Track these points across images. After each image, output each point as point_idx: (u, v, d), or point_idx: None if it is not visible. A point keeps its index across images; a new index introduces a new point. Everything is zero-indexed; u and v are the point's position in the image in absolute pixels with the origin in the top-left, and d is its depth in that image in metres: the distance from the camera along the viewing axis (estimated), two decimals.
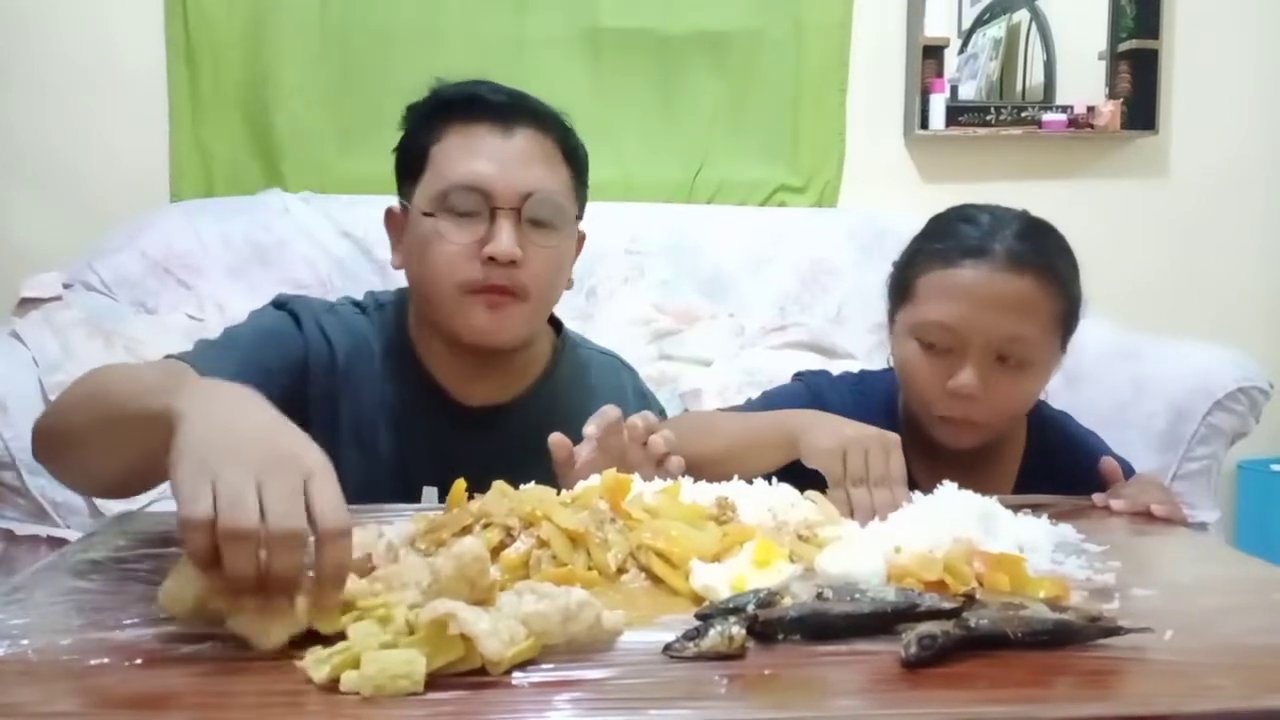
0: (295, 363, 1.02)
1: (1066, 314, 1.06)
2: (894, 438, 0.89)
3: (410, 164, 1.05)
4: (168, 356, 0.96)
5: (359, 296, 1.14)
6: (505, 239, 0.98)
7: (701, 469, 0.90)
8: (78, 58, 2.23)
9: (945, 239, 1.07)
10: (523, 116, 1.03)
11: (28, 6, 2.22)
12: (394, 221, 1.09)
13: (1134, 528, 0.90)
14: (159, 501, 1.68)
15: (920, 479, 0.97)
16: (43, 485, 1.60)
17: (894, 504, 0.83)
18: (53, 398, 1.63)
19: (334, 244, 2.14)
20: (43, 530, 1.59)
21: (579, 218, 1.08)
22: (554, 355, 1.14)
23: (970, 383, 1.01)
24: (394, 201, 1.10)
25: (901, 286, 1.10)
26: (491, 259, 0.98)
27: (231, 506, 0.55)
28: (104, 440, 0.78)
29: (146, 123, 2.25)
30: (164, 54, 2.25)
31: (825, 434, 0.90)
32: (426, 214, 1.01)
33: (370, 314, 1.10)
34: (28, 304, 1.82)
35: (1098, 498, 0.98)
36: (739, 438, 1.00)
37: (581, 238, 1.12)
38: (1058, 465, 1.10)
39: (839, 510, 0.80)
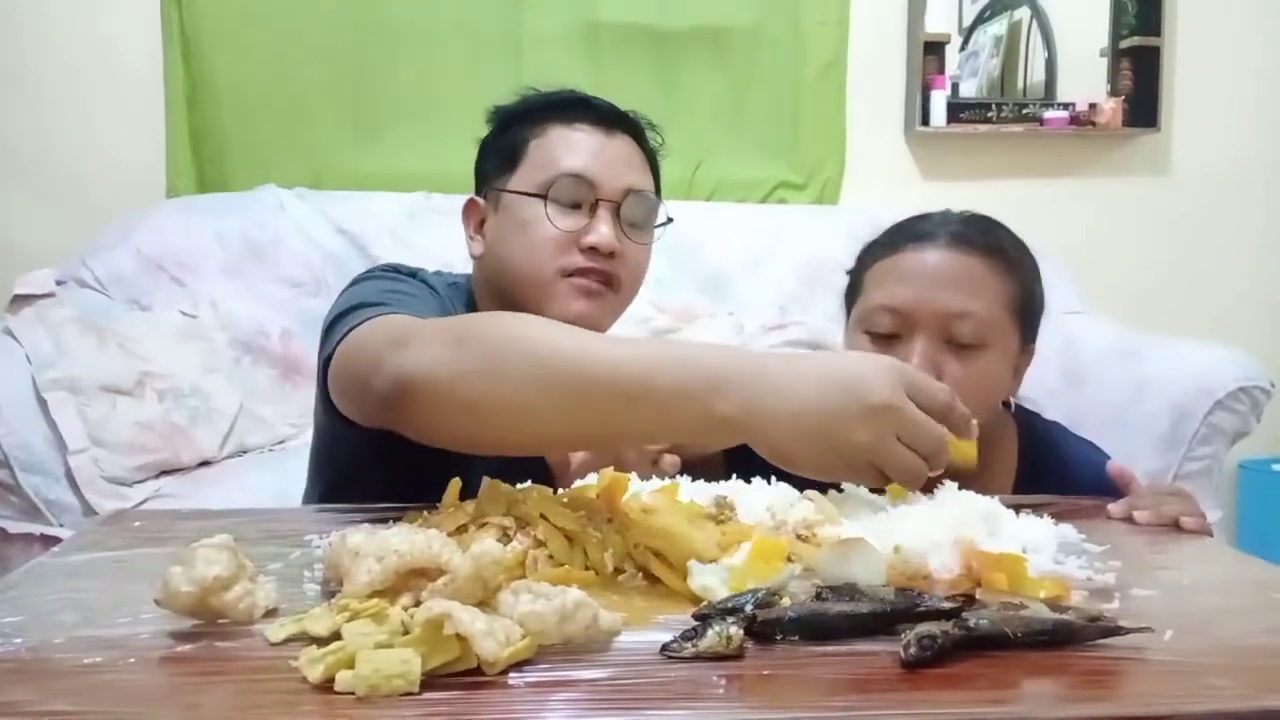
0: None
1: (1021, 300, 1.02)
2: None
3: (503, 157, 1.08)
4: (361, 305, 0.88)
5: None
6: (606, 230, 1.03)
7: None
8: (73, 53, 2.23)
9: (892, 234, 1.07)
10: (623, 123, 1.09)
11: (24, 2, 2.22)
12: (474, 212, 1.11)
13: (1133, 527, 0.90)
14: (152, 500, 1.69)
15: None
16: (36, 483, 1.60)
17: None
18: (47, 395, 1.63)
19: (328, 240, 2.14)
20: (36, 528, 1.59)
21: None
22: None
23: (916, 364, 0.95)
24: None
25: (852, 287, 1.09)
26: (592, 249, 1.02)
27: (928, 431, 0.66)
28: (566, 406, 0.71)
29: (142, 119, 2.25)
30: (160, 50, 2.25)
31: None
32: (533, 195, 1.03)
33: (447, 291, 1.10)
34: (21, 301, 1.82)
35: (1113, 508, 0.92)
36: None
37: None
38: (1049, 484, 1.05)
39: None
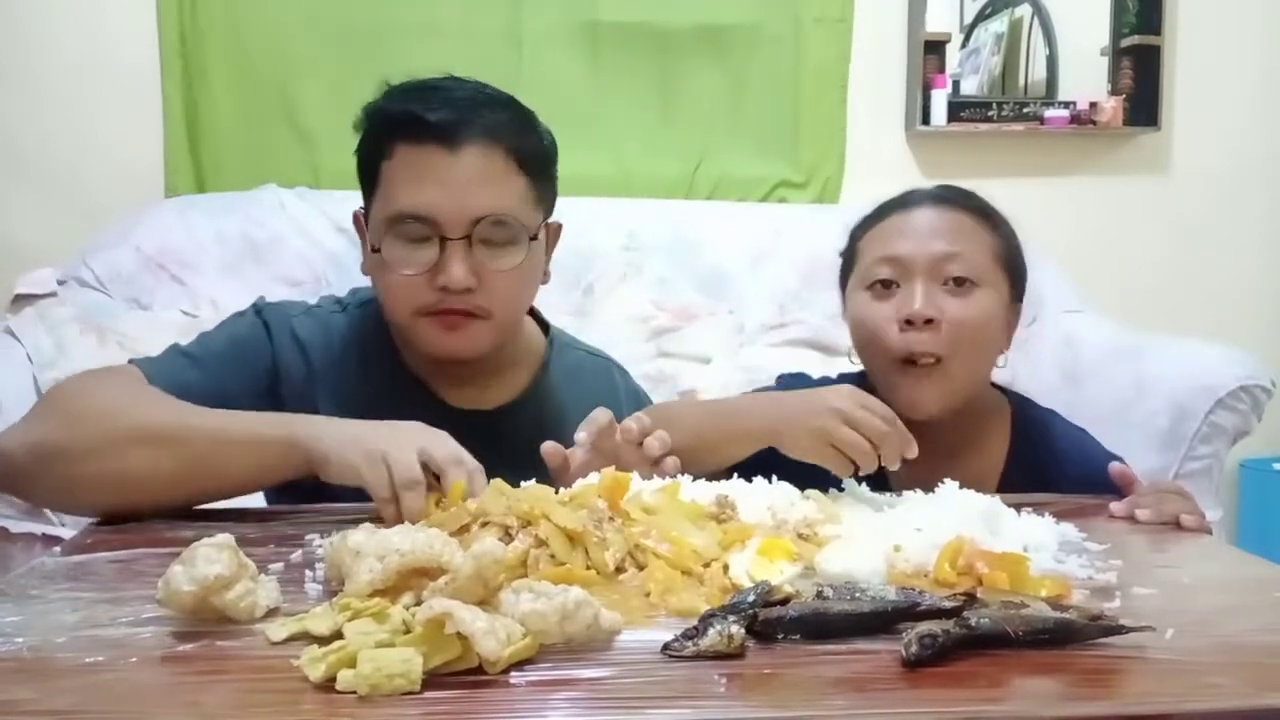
0: (264, 372, 1.02)
1: (1006, 253, 1.08)
2: (849, 389, 0.93)
3: (365, 175, 1.04)
4: (134, 361, 0.98)
5: (342, 293, 1.13)
6: (456, 270, 0.95)
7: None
8: (73, 53, 2.23)
9: (879, 207, 1.14)
10: (469, 132, 0.97)
11: (24, 1, 2.21)
12: (361, 226, 1.08)
13: (1134, 526, 0.90)
14: None
15: (902, 480, 0.95)
16: None
17: (902, 439, 0.88)
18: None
19: (328, 239, 2.14)
20: (37, 528, 1.59)
21: (546, 218, 1.04)
22: (544, 360, 1.12)
23: (920, 305, 1.03)
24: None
25: (847, 263, 1.15)
26: (445, 288, 0.96)
27: (409, 471, 0.79)
28: (160, 463, 0.85)
29: (141, 117, 2.25)
30: (159, 49, 2.24)
31: (803, 434, 0.90)
32: (374, 249, 0.99)
33: (350, 312, 1.09)
34: (22, 300, 1.82)
35: (1115, 507, 0.93)
36: (707, 429, 0.98)
37: (556, 230, 1.07)
38: (1039, 470, 1.07)
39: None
